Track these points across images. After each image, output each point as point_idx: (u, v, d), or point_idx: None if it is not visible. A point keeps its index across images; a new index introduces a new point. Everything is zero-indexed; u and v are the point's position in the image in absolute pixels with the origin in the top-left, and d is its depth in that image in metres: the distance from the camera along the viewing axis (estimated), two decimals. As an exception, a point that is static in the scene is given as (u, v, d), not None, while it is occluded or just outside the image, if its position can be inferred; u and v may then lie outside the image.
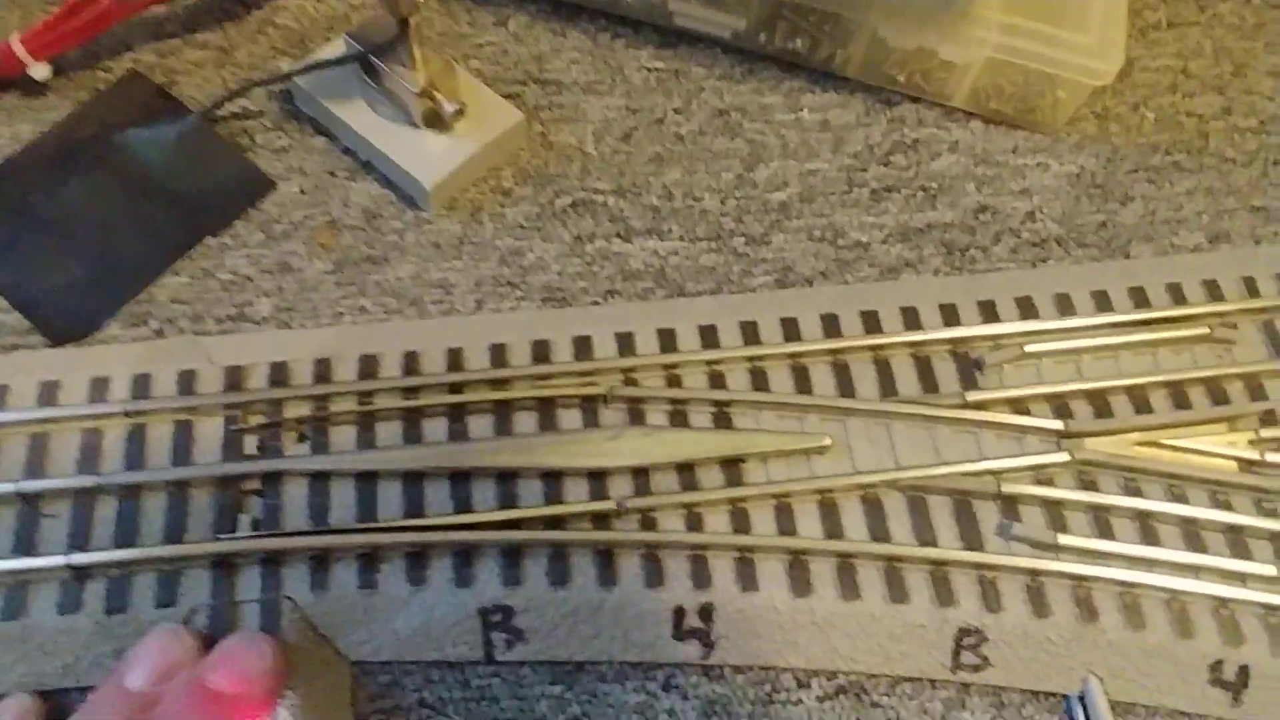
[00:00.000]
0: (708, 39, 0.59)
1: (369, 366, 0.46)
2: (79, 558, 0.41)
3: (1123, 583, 0.43)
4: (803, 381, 0.47)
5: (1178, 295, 0.50)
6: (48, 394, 0.45)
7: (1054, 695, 0.44)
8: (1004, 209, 0.55)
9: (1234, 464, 0.46)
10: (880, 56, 0.56)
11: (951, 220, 0.54)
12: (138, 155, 0.52)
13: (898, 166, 0.56)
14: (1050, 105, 0.56)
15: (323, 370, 0.46)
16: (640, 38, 0.59)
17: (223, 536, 0.42)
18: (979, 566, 0.43)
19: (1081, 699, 0.43)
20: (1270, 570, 0.43)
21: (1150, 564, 0.44)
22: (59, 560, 0.41)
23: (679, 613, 0.42)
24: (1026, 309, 0.49)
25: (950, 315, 0.49)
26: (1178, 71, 0.61)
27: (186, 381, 0.45)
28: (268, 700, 0.37)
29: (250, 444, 0.44)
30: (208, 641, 0.40)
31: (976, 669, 0.43)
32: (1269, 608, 0.43)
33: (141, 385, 0.45)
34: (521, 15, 0.59)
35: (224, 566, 0.41)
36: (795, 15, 0.56)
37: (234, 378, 0.46)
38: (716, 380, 0.47)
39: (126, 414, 0.44)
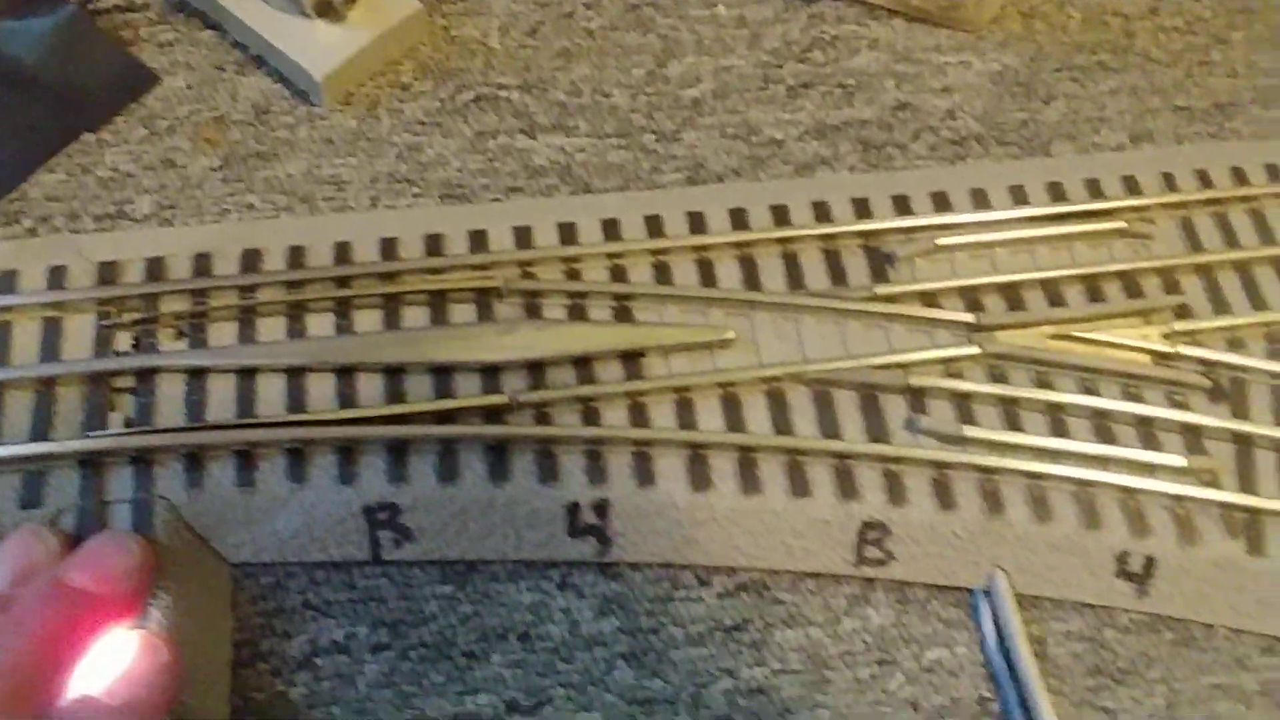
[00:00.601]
0: (621, -67, 0.56)
1: (252, 261, 0.44)
2: (-65, 456, 0.38)
3: (1030, 474, 0.42)
4: (708, 275, 0.45)
5: (1096, 191, 0.49)
6: (-94, 290, 0.42)
7: (959, 590, 0.43)
8: (924, 106, 0.53)
9: (1147, 357, 0.45)
10: (797, -51, 0.54)
11: (869, 117, 0.52)
12: (9, 50, 0.49)
13: (815, 63, 0.54)
14: (974, 3, 0.54)
15: (203, 266, 0.44)
16: (548, -69, 0.56)
17: (91, 434, 0.40)
18: (884, 460, 0.42)
19: (987, 593, 0.42)
20: (1179, 461, 0.43)
21: (1058, 456, 0.43)
22: (-87, 459, 0.38)
23: (573, 509, 0.41)
24: (941, 204, 0.48)
25: (863, 210, 0.47)
26: (1106, -28, 0.59)
27: (57, 278, 0.43)
28: (134, 600, 0.36)
29: (124, 341, 0.42)
30: (74, 543, 0.38)
31: (881, 564, 0.42)
32: (1177, 499, 0.42)
33: (7, 282, 0.43)
34: (425, -94, 0.56)
35: (93, 465, 0.39)
36: (710, -95, 0.54)
37: (108, 274, 0.43)
38: (618, 274, 0.45)
39: (-10, 309, 0.42)
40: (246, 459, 0.40)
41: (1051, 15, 0.57)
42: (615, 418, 0.42)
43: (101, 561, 0.36)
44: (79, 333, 0.42)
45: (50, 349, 0.41)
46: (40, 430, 0.40)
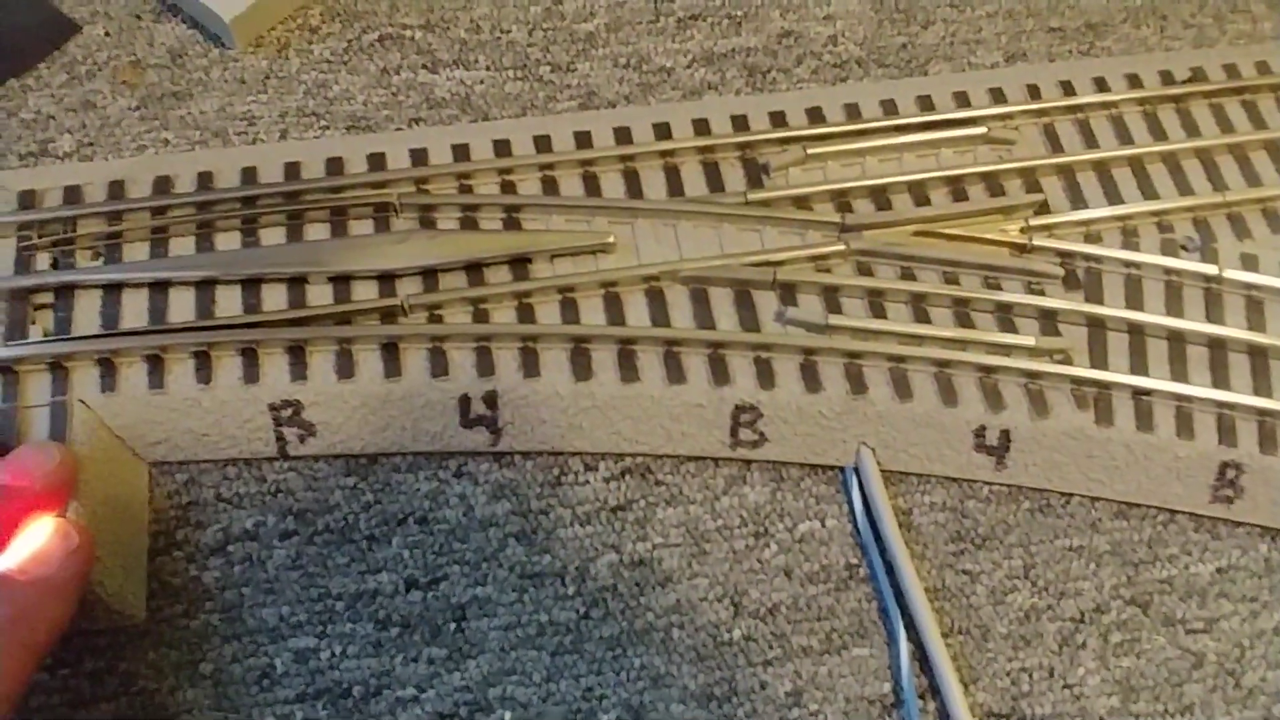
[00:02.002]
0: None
1: (164, 186, 0.47)
2: None
3: (892, 357, 0.45)
4: (593, 187, 0.48)
5: (964, 102, 0.52)
6: None
7: (830, 468, 0.46)
8: (807, 34, 0.56)
9: (1006, 249, 0.48)
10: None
11: (755, 45, 0.55)
12: (-63, 2, 0.52)
13: (705, -4, 0.57)
14: (857, -64, 0.57)
15: (118, 192, 0.47)
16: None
17: (11, 344, 0.43)
18: (755, 347, 0.45)
19: (856, 470, 0.45)
20: (1030, 341, 0.46)
21: (920, 340, 0.46)
22: None
23: (465, 401, 0.44)
24: (816, 118, 0.51)
25: (741, 125, 0.50)
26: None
27: (-20, 207, 0.46)
28: (54, 498, 0.38)
29: (44, 261, 0.45)
30: (1, 451, 0.41)
31: (755, 445, 0.45)
32: (1030, 374, 0.45)
33: (-67, 211, 0.46)
34: None
35: (12, 374, 0.42)
36: None
37: (28, 201, 0.46)
38: (508, 188, 0.48)
39: (-85, 236, 0.45)
40: (157, 363, 0.43)
41: (933, -54, 0.60)
42: (503, 317, 0.45)
43: (23, 462, 0.38)
44: (0, 254, 0.45)
45: (-27, 270, 0.44)
46: (-36, 343, 0.43)
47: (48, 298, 0.44)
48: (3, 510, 0.37)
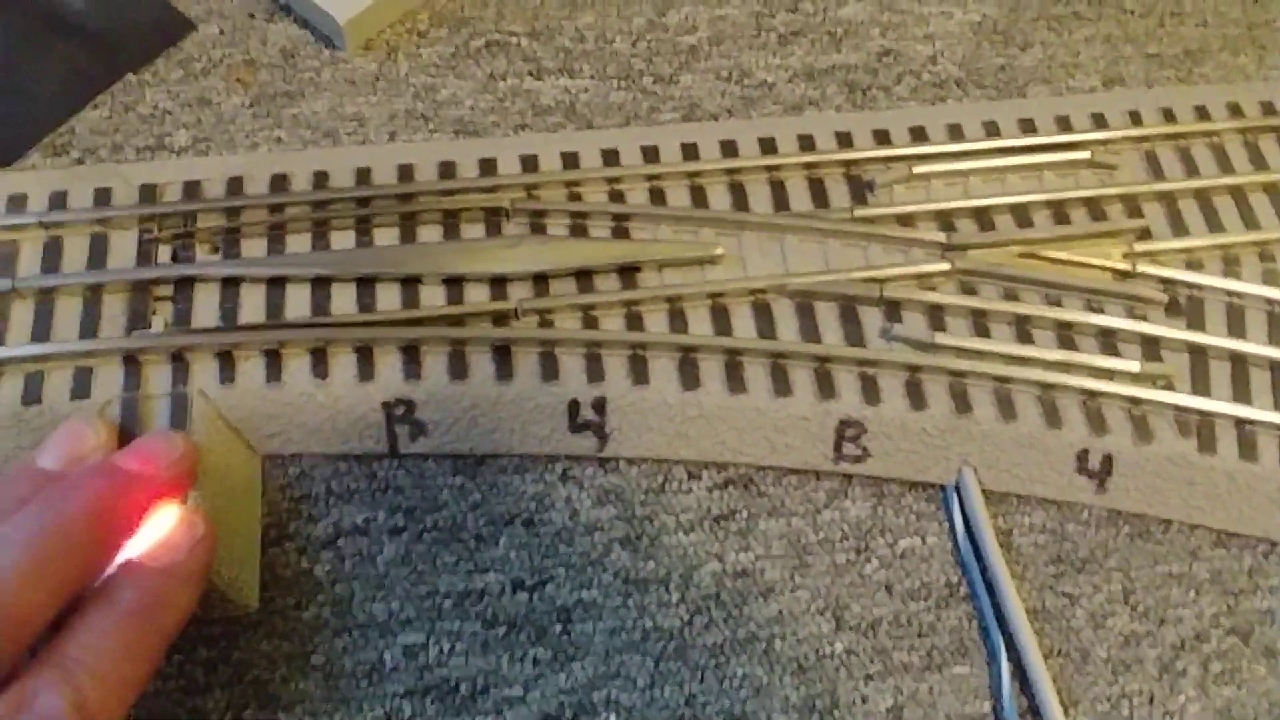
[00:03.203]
0: (623, -106, 0.60)
1: (280, 184, 0.48)
2: (-6, 352, 0.42)
3: (996, 378, 0.45)
4: (699, 199, 0.49)
5: (1065, 126, 0.52)
6: (-34, 209, 0.46)
7: (931, 485, 0.46)
8: (907, 53, 0.57)
9: (1108, 274, 0.48)
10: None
11: (855, 63, 0.56)
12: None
13: (805, 13, 0.57)
14: (956, -43, 0.58)
15: (235, 188, 0.48)
16: (557, -108, 0.60)
17: (134, 334, 0.44)
18: (860, 362, 0.45)
19: (957, 488, 0.46)
20: (1133, 366, 0.46)
21: (1024, 361, 0.46)
22: (-26, 354, 0.42)
23: (574, 406, 0.44)
24: (919, 137, 0.51)
25: (845, 142, 0.51)
26: None
27: (103, 198, 0.47)
28: (177, 485, 0.39)
29: (164, 254, 0.46)
30: (121, 434, 0.42)
31: (857, 460, 0.45)
32: (1132, 400, 0.45)
33: (58, 201, 0.47)
34: None
35: (135, 363, 0.43)
36: None
37: (149, 195, 0.47)
38: (616, 197, 0.48)
39: (42, 224, 0.46)
40: (275, 358, 0.44)
41: (1030, -30, 0.60)
42: (612, 324, 0.45)
43: (148, 448, 0.39)
44: (123, 246, 0.46)
45: (97, 260, 0.45)
46: (89, 330, 0.44)
47: (168, 290, 0.45)
48: (130, 497, 0.37)
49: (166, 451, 0.39)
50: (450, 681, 0.41)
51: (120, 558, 0.36)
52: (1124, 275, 0.48)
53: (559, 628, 0.42)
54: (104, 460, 0.39)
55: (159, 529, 0.38)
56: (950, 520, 0.45)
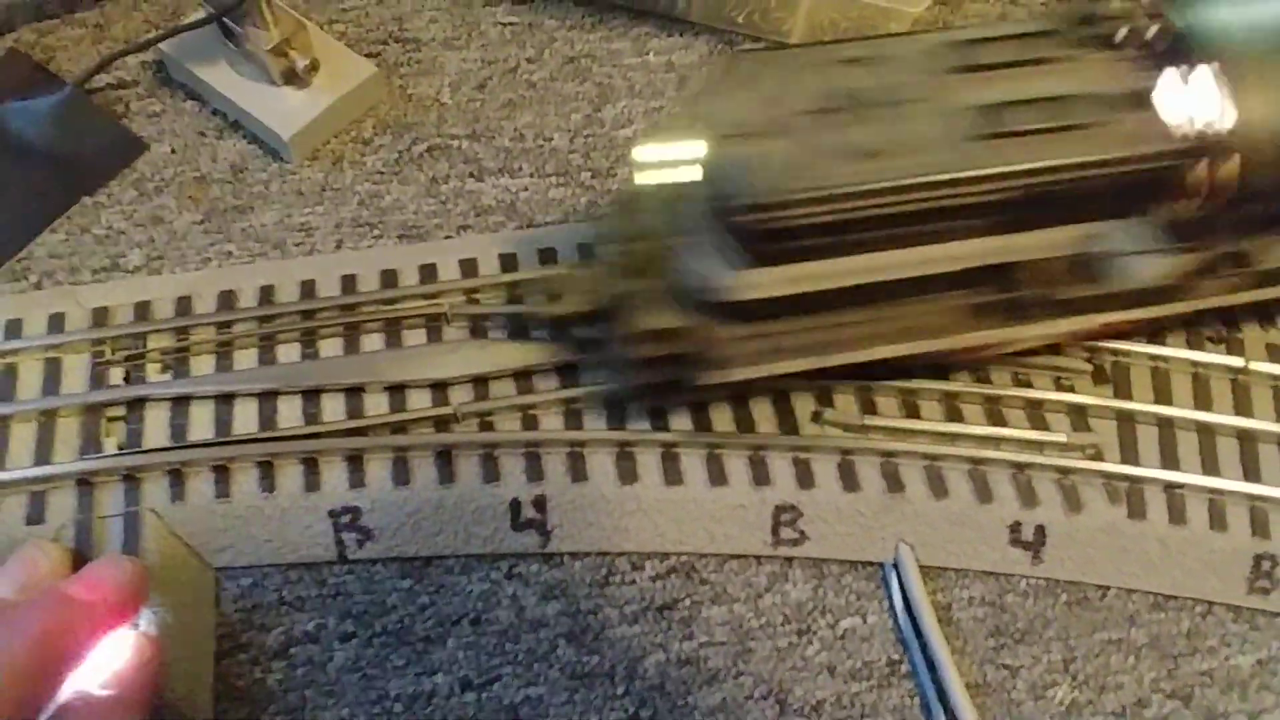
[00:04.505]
0: (559, -7, 0.62)
1: (228, 300, 0.49)
2: (-48, 482, 0.44)
3: (927, 455, 0.46)
4: (634, 293, 0.50)
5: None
6: (-74, 341, 0.48)
7: (871, 564, 0.47)
8: (837, 134, 0.58)
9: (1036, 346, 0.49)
10: (720, 0, 0.60)
11: (787, 146, 0.58)
12: (15, 126, 0.56)
13: (737, 100, 0.59)
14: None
15: (185, 306, 0.49)
16: (495, -5, 0.62)
17: (87, 457, 0.45)
18: (794, 448, 0.46)
19: (895, 566, 0.46)
20: (1061, 437, 0.47)
21: (953, 438, 0.47)
22: (-67, 485, 0.44)
23: (515, 505, 0.46)
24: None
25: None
26: (1007, 2, 0.64)
27: (57, 323, 0.49)
28: (126, 610, 0.40)
29: (116, 375, 0.47)
30: (76, 557, 0.43)
31: (796, 543, 0.46)
32: (1062, 470, 0.46)
33: (14, 329, 0.48)
34: (383, -20, 0.63)
35: (88, 485, 0.45)
36: (634, -36, 0.59)
37: (101, 318, 0.49)
38: (555, 297, 0.50)
39: (-1, 353, 0.47)
40: (223, 473, 0.45)
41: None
42: (552, 423, 0.47)
43: (97, 575, 0.40)
44: (75, 370, 0.47)
45: (51, 385, 0.47)
46: (43, 456, 0.45)
47: (120, 411, 0.47)
48: (79, 626, 0.38)
49: (115, 577, 0.40)
50: (402, 785, 0.42)
51: (69, 685, 0.37)
52: (1050, 347, 0.49)
53: (507, 726, 0.43)
54: (54, 588, 0.40)
55: (107, 656, 0.39)
56: (890, 598, 0.46)
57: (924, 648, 0.45)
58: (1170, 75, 0.39)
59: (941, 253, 0.40)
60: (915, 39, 0.41)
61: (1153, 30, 0.40)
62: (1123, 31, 0.41)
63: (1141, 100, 0.39)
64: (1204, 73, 0.39)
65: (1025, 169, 0.38)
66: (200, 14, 0.55)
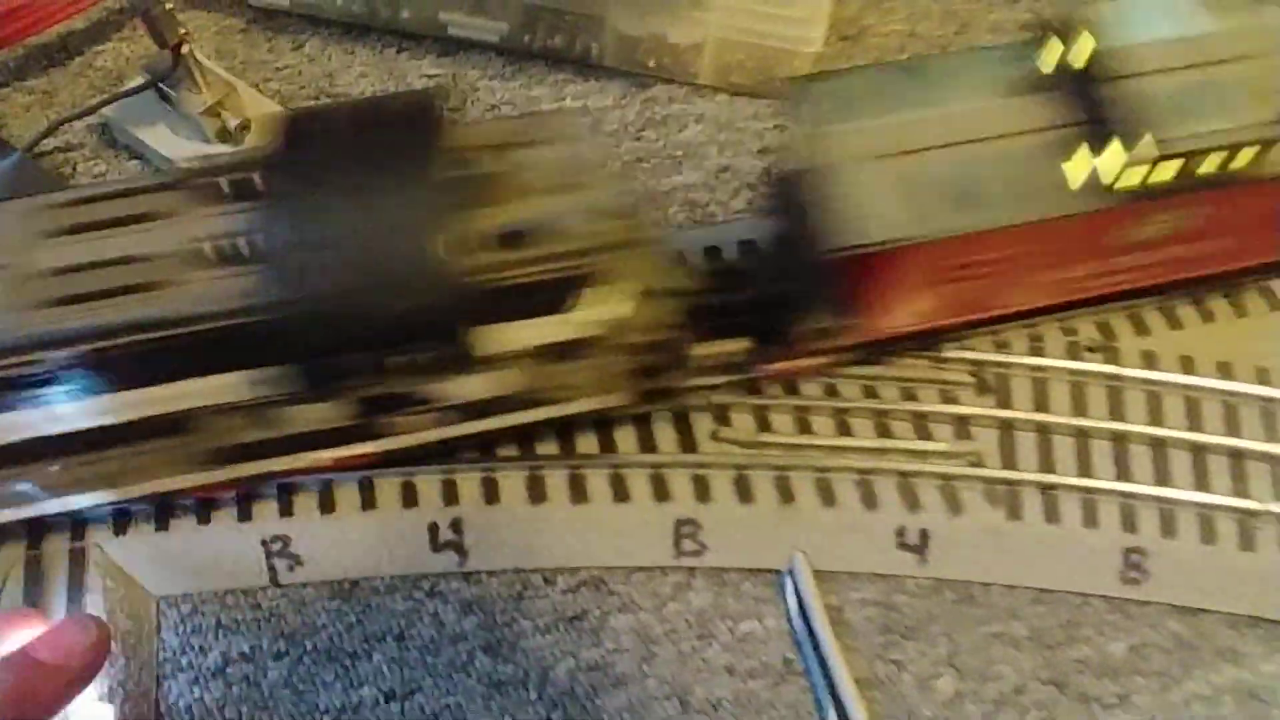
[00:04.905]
0: (482, 45, 0.66)
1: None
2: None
3: (817, 468, 0.50)
4: (545, 326, 0.54)
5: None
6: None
7: (770, 571, 0.50)
8: (743, 168, 0.62)
9: (923, 362, 0.53)
10: (631, 45, 0.64)
11: (694, 181, 0.61)
12: (-31, 191, 0.60)
13: (648, 140, 0.63)
14: (788, 75, 0.63)
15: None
16: (422, 49, 0.66)
17: (34, 498, 0.49)
18: (693, 465, 0.50)
19: (790, 573, 0.50)
20: (944, 446, 0.50)
21: (842, 450, 0.50)
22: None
23: (433, 528, 0.49)
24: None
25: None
26: (906, 34, 0.68)
27: None
28: (89, 673, 0.40)
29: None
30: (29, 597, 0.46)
31: (697, 554, 0.50)
32: (944, 477, 0.50)
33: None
34: (315, 39, 0.66)
35: (38, 521, 0.48)
36: (550, 15, 0.63)
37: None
38: (469, 332, 0.54)
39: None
40: (163, 509, 0.49)
41: (858, 79, 0.66)
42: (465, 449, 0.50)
43: (62, 638, 0.41)
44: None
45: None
46: (-7, 500, 0.49)
47: (67, 453, 0.50)
48: (44, 689, 0.39)
49: (80, 639, 0.40)
50: (330, 792, 0.46)
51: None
52: (937, 361, 0.53)
53: (428, 734, 0.47)
54: (20, 652, 0.40)
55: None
56: (786, 602, 0.49)
57: (816, 647, 0.48)
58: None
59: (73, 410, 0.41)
60: (6, 205, 0.42)
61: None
62: (225, 182, 0.41)
63: (224, 255, 0.39)
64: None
65: (97, 328, 0.38)
66: (140, 80, 0.59)
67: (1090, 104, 0.43)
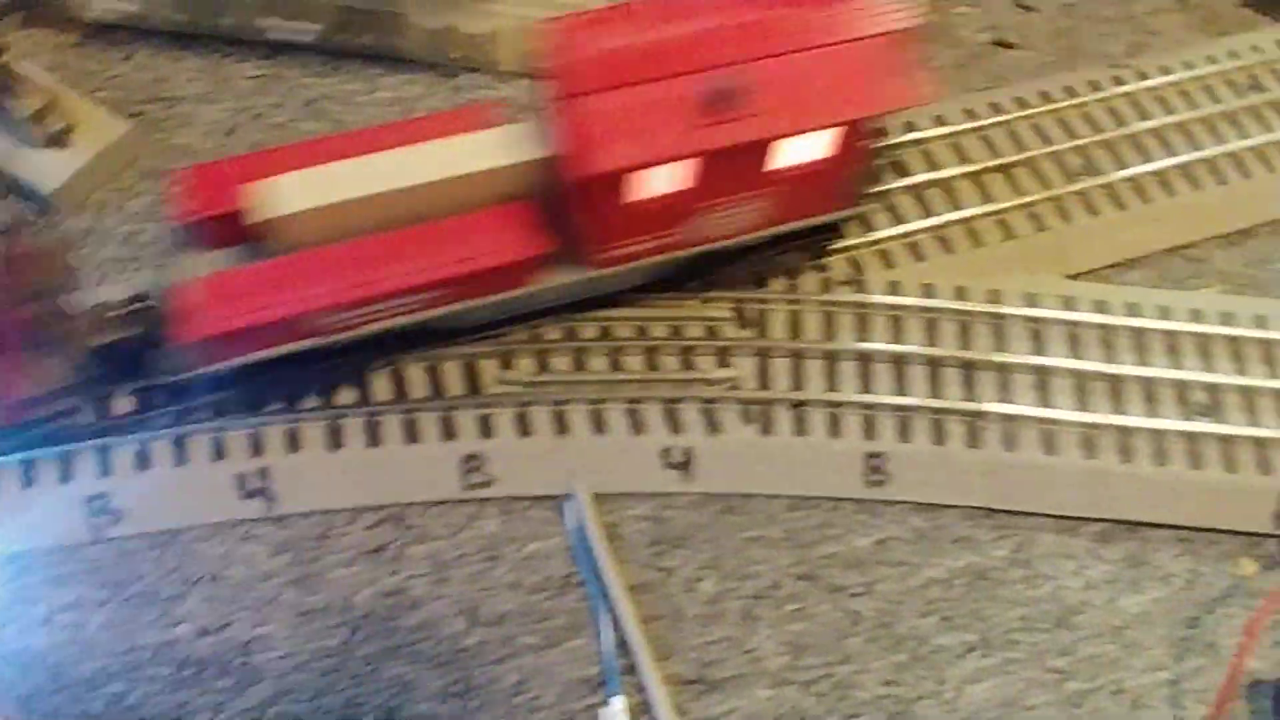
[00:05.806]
0: (300, 46, 0.71)
1: None
2: None
3: (591, 400, 0.55)
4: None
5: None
6: None
7: (554, 497, 0.55)
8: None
9: (693, 300, 0.58)
10: (433, 38, 0.69)
11: (496, 158, 0.67)
12: None
13: (454, 123, 0.68)
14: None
15: (-42, 342, 0.57)
16: (245, 52, 0.71)
17: None
18: (478, 405, 0.55)
19: (569, 496, 0.55)
20: (705, 374, 0.56)
21: (614, 384, 0.56)
22: None
23: (241, 478, 0.54)
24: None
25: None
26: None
27: None
28: None
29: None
30: None
31: (485, 485, 0.55)
32: (706, 401, 0.55)
33: None
34: (144, 49, 0.71)
35: (-128, 496, 0.53)
36: (360, 15, 0.69)
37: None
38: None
39: None
40: (-12, 474, 0.53)
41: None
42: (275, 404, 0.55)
43: None
44: None
45: None
46: None
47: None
48: None
49: None
50: (148, 719, 0.50)
51: None
52: (705, 301, 0.58)
53: (240, 661, 0.51)
54: None
55: None
56: (565, 523, 0.55)
57: (592, 560, 0.53)
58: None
59: None
60: None
61: None
62: None
63: None
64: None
65: None
66: (-30, 93, 0.64)
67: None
